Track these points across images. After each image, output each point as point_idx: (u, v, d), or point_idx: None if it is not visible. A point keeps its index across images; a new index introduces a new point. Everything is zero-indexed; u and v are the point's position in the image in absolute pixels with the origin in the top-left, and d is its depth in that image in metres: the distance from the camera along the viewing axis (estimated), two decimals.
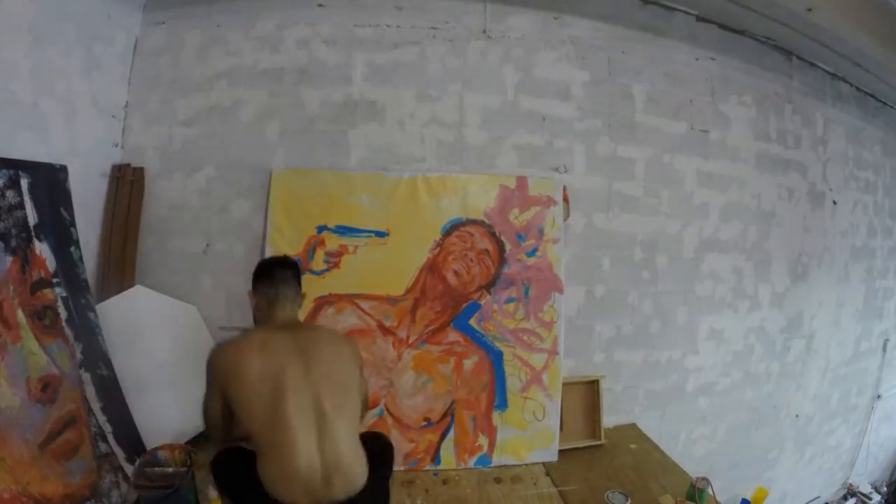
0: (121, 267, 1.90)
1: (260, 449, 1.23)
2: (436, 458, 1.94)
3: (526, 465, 1.97)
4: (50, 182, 1.56)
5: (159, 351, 1.83)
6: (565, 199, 2.13)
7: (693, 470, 1.92)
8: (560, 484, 1.85)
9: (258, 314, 1.46)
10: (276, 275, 1.44)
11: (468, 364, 2.00)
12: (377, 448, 1.44)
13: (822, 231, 2.85)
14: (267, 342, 1.29)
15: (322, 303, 1.93)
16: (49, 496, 1.28)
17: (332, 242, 1.95)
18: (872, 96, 3.11)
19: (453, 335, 2.00)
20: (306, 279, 1.90)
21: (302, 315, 1.87)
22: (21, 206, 1.42)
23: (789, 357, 2.82)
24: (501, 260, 2.04)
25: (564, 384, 2.06)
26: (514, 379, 2.01)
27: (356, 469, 1.26)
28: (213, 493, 1.48)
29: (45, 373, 1.39)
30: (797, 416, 2.94)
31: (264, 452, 1.22)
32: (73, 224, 1.63)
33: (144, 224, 1.99)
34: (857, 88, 3.01)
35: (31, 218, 1.45)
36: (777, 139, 2.65)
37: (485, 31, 2.15)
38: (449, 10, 2.13)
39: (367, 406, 1.46)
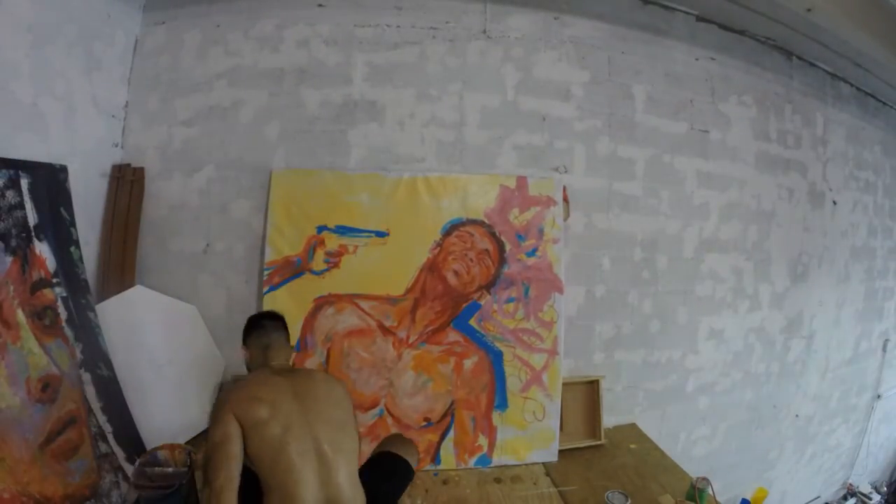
0: (121, 267, 1.90)
1: (265, 487, 1.23)
2: (436, 458, 1.94)
3: (526, 465, 1.97)
4: (50, 182, 1.56)
5: (159, 351, 1.83)
6: (565, 199, 2.13)
7: (693, 470, 1.92)
8: (560, 484, 1.85)
9: (253, 364, 1.48)
10: (268, 324, 1.52)
11: (468, 364, 2.00)
12: (389, 471, 1.46)
13: (822, 231, 2.86)
14: (272, 385, 1.32)
15: (322, 303, 1.94)
16: (49, 496, 1.28)
17: (332, 242, 1.95)
18: (872, 96, 3.11)
19: (453, 335, 2.00)
20: (306, 279, 1.93)
21: (302, 315, 1.91)
22: (21, 206, 1.42)
23: (789, 357, 2.82)
24: (501, 260, 2.04)
25: (564, 384, 2.07)
26: (514, 379, 2.01)
27: None
28: None
29: (45, 373, 1.39)
30: (797, 416, 2.95)
31: (269, 491, 1.22)
32: (73, 224, 1.63)
33: (144, 224, 1.99)
34: (857, 88, 3.01)
35: (31, 218, 1.45)
36: (777, 139, 2.65)
37: (485, 31, 2.15)
38: (449, 10, 2.13)
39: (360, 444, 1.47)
